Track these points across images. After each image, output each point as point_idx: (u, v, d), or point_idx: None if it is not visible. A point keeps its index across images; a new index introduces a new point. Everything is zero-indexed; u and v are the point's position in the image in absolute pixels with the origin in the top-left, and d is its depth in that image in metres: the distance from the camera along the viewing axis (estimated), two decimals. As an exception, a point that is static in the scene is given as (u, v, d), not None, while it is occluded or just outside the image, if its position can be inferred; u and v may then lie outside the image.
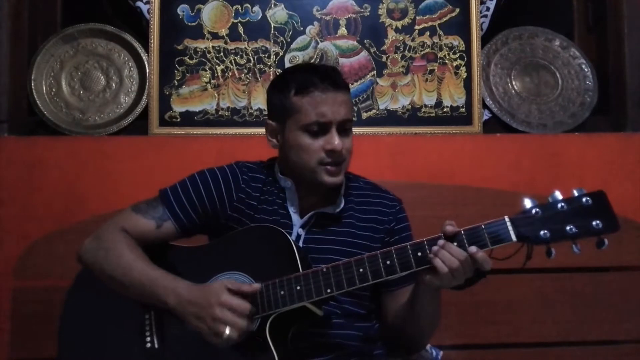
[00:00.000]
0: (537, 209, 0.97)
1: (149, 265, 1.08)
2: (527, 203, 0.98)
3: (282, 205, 1.17)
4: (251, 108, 1.85)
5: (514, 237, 0.97)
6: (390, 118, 1.86)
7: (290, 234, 1.12)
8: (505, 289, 1.62)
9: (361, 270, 1.01)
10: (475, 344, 1.63)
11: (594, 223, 0.94)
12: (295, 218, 1.16)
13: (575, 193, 0.97)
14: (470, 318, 1.60)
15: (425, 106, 1.87)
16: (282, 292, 1.03)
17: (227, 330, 0.98)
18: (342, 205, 1.16)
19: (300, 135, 1.11)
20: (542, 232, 0.96)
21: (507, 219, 0.98)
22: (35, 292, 1.58)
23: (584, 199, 0.96)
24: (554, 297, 1.64)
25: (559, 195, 0.98)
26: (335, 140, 1.09)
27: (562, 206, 0.96)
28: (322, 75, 1.12)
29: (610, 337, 1.64)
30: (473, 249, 0.97)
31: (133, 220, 1.14)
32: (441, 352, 1.29)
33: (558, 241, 0.96)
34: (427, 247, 1.00)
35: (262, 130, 1.79)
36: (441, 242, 0.98)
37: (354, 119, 1.73)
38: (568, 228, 0.95)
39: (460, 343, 1.60)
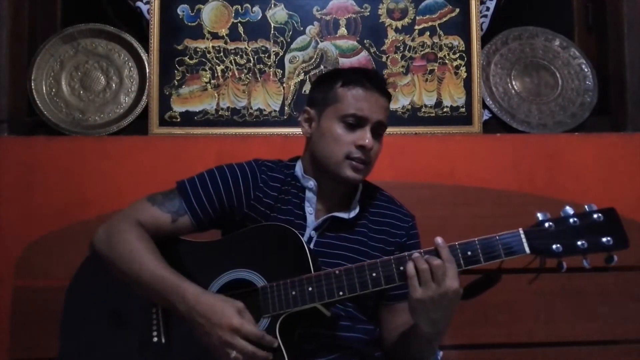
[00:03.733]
0: (550, 223, 0.99)
1: (159, 264, 1.06)
2: (540, 216, 1.00)
3: (299, 205, 1.16)
4: (251, 108, 1.85)
5: (527, 250, 0.98)
6: (390, 118, 1.82)
7: (302, 236, 1.12)
8: (505, 289, 1.60)
9: (374, 274, 1.01)
10: (475, 344, 1.63)
11: (604, 239, 0.96)
12: (311, 219, 1.16)
13: (587, 209, 0.99)
14: (470, 318, 1.60)
15: (425, 106, 1.87)
16: (294, 293, 1.03)
17: (234, 354, 0.98)
18: (356, 210, 1.16)
19: (336, 125, 1.13)
20: (554, 246, 0.97)
21: (521, 232, 0.99)
22: (35, 292, 1.58)
23: (595, 215, 0.98)
24: (554, 297, 1.64)
25: (570, 210, 0.99)
26: (368, 137, 1.11)
27: (574, 221, 0.98)
28: (371, 77, 1.16)
29: (610, 337, 1.64)
30: (438, 239, 0.99)
31: (149, 212, 1.13)
32: (441, 352, 1.29)
33: (569, 255, 0.97)
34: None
35: (262, 130, 1.83)
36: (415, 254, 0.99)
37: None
38: (580, 243, 0.96)
39: (460, 343, 1.60)
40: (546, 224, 0.98)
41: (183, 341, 1.07)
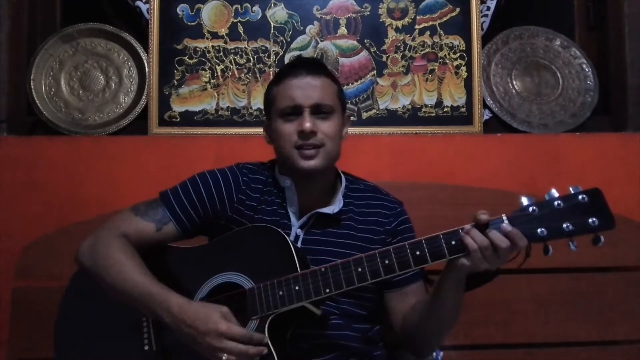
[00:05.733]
0: (534, 207, 0.97)
1: (144, 276, 1.06)
2: (524, 201, 0.98)
3: (282, 205, 1.17)
4: (251, 108, 1.84)
5: None
6: (391, 118, 1.86)
7: (289, 235, 1.12)
8: (505, 290, 1.62)
9: (360, 269, 1.01)
10: (475, 344, 1.62)
11: (590, 220, 0.94)
12: (294, 219, 1.16)
13: (572, 190, 0.97)
14: (470, 318, 1.60)
15: (426, 106, 1.87)
16: (281, 293, 1.03)
17: (225, 357, 0.98)
18: (340, 205, 1.16)
19: (278, 122, 1.14)
20: (539, 230, 0.96)
21: (504, 217, 0.98)
22: (35, 292, 1.58)
23: (580, 197, 0.96)
24: (554, 298, 1.64)
25: (555, 192, 0.98)
26: (305, 122, 1.10)
27: (558, 204, 0.96)
28: (298, 63, 1.17)
29: (610, 337, 1.64)
30: (507, 227, 0.96)
31: (132, 222, 1.13)
32: (441, 353, 1.29)
33: (555, 239, 0.96)
34: (425, 245, 0.99)
35: (262, 130, 1.82)
36: (467, 227, 0.98)
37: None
38: (565, 225, 0.95)
39: (460, 343, 1.60)
40: (530, 209, 0.97)
41: (173, 349, 1.07)
